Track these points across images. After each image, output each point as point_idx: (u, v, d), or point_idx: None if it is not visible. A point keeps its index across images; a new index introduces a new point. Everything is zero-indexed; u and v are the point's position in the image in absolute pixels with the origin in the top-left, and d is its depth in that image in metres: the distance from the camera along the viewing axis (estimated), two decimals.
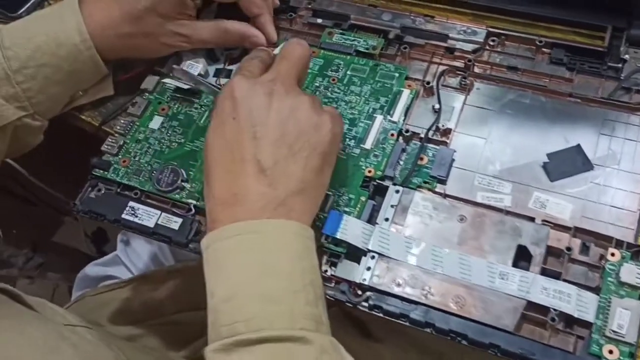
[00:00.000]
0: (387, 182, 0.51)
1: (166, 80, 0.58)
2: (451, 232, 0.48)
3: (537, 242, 0.46)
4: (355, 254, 0.48)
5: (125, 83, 0.61)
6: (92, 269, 0.77)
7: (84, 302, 0.71)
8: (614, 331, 0.42)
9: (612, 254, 0.44)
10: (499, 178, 0.50)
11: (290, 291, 0.40)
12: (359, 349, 0.48)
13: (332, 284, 0.47)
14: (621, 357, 0.41)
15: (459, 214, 0.48)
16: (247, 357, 0.38)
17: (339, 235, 0.47)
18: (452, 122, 0.53)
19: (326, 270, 0.48)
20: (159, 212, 0.52)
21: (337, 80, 0.57)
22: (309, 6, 0.62)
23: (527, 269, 0.45)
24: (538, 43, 0.55)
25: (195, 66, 0.58)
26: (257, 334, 0.38)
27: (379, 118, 0.54)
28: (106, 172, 0.54)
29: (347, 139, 0.53)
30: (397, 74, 0.56)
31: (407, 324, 0.45)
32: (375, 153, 0.52)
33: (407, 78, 0.56)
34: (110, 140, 0.56)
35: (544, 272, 0.45)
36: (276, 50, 0.57)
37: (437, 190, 0.50)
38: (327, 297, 0.46)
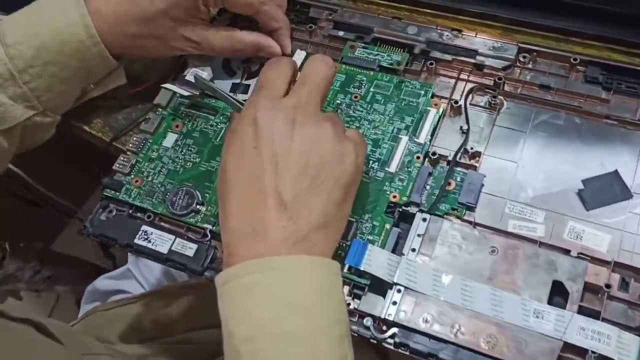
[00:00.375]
0: (412, 209, 0.48)
1: (167, 85, 0.55)
2: (482, 265, 0.45)
3: (574, 277, 0.44)
4: (380, 286, 0.45)
5: (139, 96, 0.59)
6: (102, 283, 0.75)
7: (93, 317, 0.69)
8: None
9: None
10: (531, 206, 0.48)
11: (313, 330, 0.38)
12: None
13: (356, 318, 0.45)
14: None
15: (490, 246, 0.46)
16: None
17: (363, 267, 0.45)
18: (481, 144, 0.51)
19: (349, 304, 0.45)
20: (173, 237, 0.49)
21: (359, 97, 0.54)
22: (330, 17, 0.59)
23: (564, 307, 0.43)
24: (572, 61, 0.52)
25: (200, 73, 0.55)
26: None
27: (404, 139, 0.51)
28: (118, 193, 0.52)
29: (371, 162, 0.51)
30: (422, 92, 0.53)
31: None
32: (401, 177, 0.50)
33: (433, 96, 0.53)
34: (122, 158, 0.53)
35: (582, 311, 0.43)
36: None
37: (465, 218, 0.48)
38: (351, 332, 0.44)
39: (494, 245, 0.46)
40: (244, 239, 0.40)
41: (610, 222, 0.46)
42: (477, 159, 0.50)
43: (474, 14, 0.57)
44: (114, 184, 0.52)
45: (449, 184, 0.49)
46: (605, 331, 0.41)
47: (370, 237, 0.47)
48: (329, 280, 0.41)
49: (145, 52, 0.56)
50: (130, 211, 0.52)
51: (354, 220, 0.48)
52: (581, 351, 0.41)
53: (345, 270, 0.46)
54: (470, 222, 0.47)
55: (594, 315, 0.42)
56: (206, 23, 0.54)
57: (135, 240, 0.49)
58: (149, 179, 0.52)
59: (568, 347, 0.41)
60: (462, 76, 0.54)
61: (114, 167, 0.53)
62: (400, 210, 0.48)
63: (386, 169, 0.50)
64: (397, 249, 0.47)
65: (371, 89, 0.54)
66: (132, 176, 0.53)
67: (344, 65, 0.56)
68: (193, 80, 0.55)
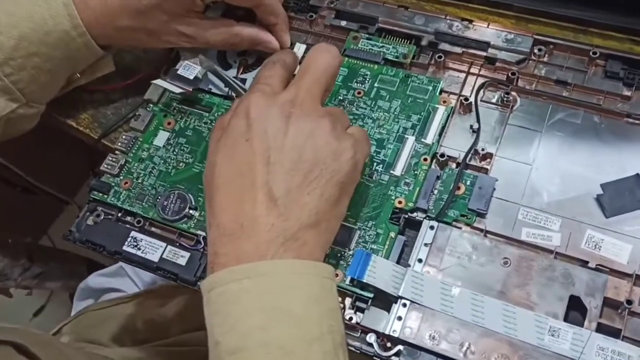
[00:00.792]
0: (418, 215, 0.45)
1: (157, 82, 0.52)
2: (493, 277, 0.42)
3: (593, 292, 0.41)
4: (384, 299, 0.42)
5: (128, 90, 0.56)
6: (94, 280, 0.72)
7: (85, 317, 0.67)
8: None
9: None
10: (546, 212, 0.45)
11: (304, 340, 0.36)
12: None
13: (358, 334, 0.42)
14: None
15: (503, 257, 0.43)
16: None
17: (366, 280, 0.42)
18: (492, 145, 0.47)
19: (351, 318, 0.42)
20: (164, 244, 0.46)
21: (363, 93, 0.50)
22: (332, 5, 0.55)
23: (581, 324, 0.40)
24: (591, 54, 0.49)
25: (193, 67, 0.52)
26: None
27: (411, 139, 0.48)
28: (106, 196, 0.49)
29: (375, 164, 0.47)
30: (430, 87, 0.50)
31: None
32: (407, 181, 0.46)
33: (441, 92, 0.50)
34: (110, 158, 0.50)
35: (601, 329, 0.40)
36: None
37: (475, 225, 0.45)
38: (353, 349, 0.41)
39: (507, 256, 0.43)
40: (230, 237, 0.37)
41: (632, 231, 0.43)
42: (489, 160, 0.47)
43: (486, 3, 0.53)
44: (101, 185, 0.49)
45: (458, 188, 0.46)
46: (626, 351, 0.38)
47: (374, 246, 0.44)
48: (322, 286, 0.38)
49: (136, 44, 0.53)
50: (119, 215, 0.49)
51: (356, 227, 0.45)
52: None
53: (347, 282, 0.43)
54: (480, 230, 0.44)
55: (614, 333, 0.40)
56: (201, 16, 0.51)
57: (124, 248, 0.46)
58: (139, 180, 0.49)
59: None
60: (472, 70, 0.51)
61: (101, 168, 0.50)
62: (406, 217, 0.45)
63: (391, 172, 0.47)
64: (402, 259, 0.45)
65: (375, 85, 0.51)
66: (121, 177, 0.50)
67: (346, 58, 0.52)
68: (185, 75, 0.51)
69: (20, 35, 0.47)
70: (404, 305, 0.42)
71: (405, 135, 0.48)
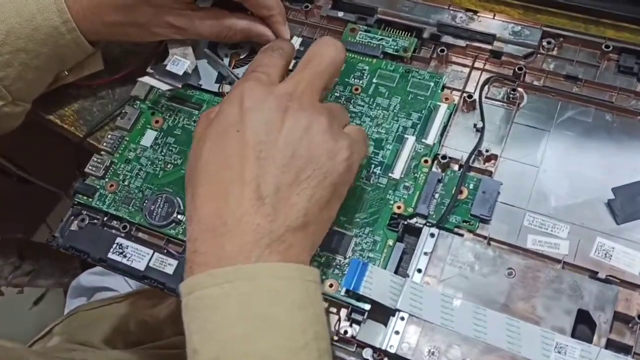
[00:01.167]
0: (418, 221, 0.43)
1: (144, 79, 0.49)
2: (497, 289, 0.40)
3: (602, 305, 0.38)
4: (381, 311, 0.40)
5: (115, 85, 0.53)
6: (86, 279, 0.70)
7: (77, 317, 0.66)
8: None
9: None
10: (553, 218, 0.42)
11: (289, 350, 0.33)
12: None
13: (354, 348, 0.40)
14: None
15: (507, 267, 0.40)
16: None
17: (362, 292, 0.40)
18: (497, 145, 0.45)
19: (346, 331, 0.40)
20: (151, 251, 0.44)
21: (360, 90, 0.48)
22: None
23: (590, 340, 0.38)
24: (604, 48, 0.46)
25: (182, 62, 0.49)
26: None
27: (411, 140, 0.45)
28: (90, 199, 0.47)
29: (373, 166, 0.45)
30: (432, 83, 0.47)
31: None
32: (406, 184, 0.44)
33: (443, 88, 0.47)
34: (95, 159, 0.48)
35: (610, 345, 0.38)
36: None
37: (478, 232, 0.42)
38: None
39: (511, 267, 0.40)
40: (212, 233, 0.35)
41: None
42: (493, 162, 0.45)
43: None
44: (86, 188, 0.47)
45: (461, 192, 0.43)
46: None
47: (371, 254, 0.42)
48: (306, 291, 0.35)
49: (126, 38, 0.51)
50: (105, 219, 0.46)
51: (352, 234, 0.43)
52: None
53: (343, 293, 0.41)
54: (484, 237, 0.42)
55: (625, 350, 0.37)
56: (191, 6, 0.48)
57: (109, 255, 0.44)
58: (125, 183, 0.47)
59: None
60: (477, 65, 0.48)
61: (86, 170, 0.47)
62: (405, 223, 0.43)
63: (390, 174, 0.44)
64: (401, 267, 0.42)
65: (374, 80, 0.48)
66: (107, 180, 0.47)
67: None
68: (174, 71, 0.48)
69: (8, 30, 0.45)
70: (402, 318, 0.39)
71: (405, 135, 0.46)
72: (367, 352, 0.40)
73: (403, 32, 0.50)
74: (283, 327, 0.34)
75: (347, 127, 0.40)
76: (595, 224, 0.42)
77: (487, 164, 0.45)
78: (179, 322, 0.64)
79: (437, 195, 0.44)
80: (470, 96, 0.46)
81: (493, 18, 0.49)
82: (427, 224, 0.43)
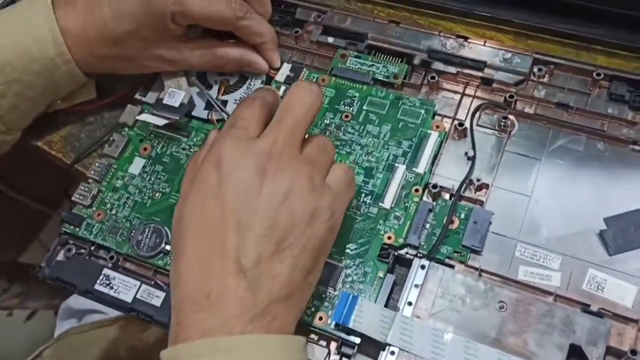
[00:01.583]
0: (409, 252, 0.42)
1: (141, 117, 0.49)
2: (488, 323, 0.39)
3: (595, 340, 0.38)
4: (371, 345, 0.40)
5: (103, 110, 0.53)
6: (76, 301, 0.69)
7: (67, 340, 0.65)
8: None
9: None
10: (545, 248, 0.42)
11: None
12: None
13: None
14: None
15: (498, 300, 0.40)
16: None
17: (352, 325, 0.39)
18: (488, 174, 0.44)
19: None
20: (138, 282, 0.43)
21: (350, 117, 0.47)
22: (319, 20, 0.52)
23: None
24: (595, 75, 0.46)
25: (178, 94, 0.49)
26: None
27: (401, 168, 0.45)
28: (77, 229, 0.46)
29: (363, 195, 0.44)
30: (422, 110, 0.47)
31: None
32: (396, 214, 0.43)
33: (434, 115, 0.47)
34: (82, 188, 0.47)
35: None
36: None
37: (469, 263, 0.42)
38: None
39: (503, 300, 0.40)
40: (195, 307, 0.34)
41: (637, 270, 0.40)
42: (485, 191, 0.44)
43: (484, 18, 0.50)
44: (73, 217, 0.46)
45: (452, 222, 0.43)
46: None
47: (362, 286, 0.42)
48: None
49: (117, 71, 0.51)
50: (92, 249, 0.46)
51: (342, 265, 0.42)
52: None
53: (333, 326, 0.40)
54: (475, 269, 0.42)
55: None
56: (181, 38, 0.48)
57: (96, 287, 0.44)
58: (113, 212, 0.46)
59: None
60: (468, 91, 0.48)
61: (72, 199, 0.47)
62: (396, 254, 0.42)
63: (380, 204, 0.44)
64: (391, 299, 0.42)
65: (364, 107, 0.48)
66: (94, 209, 0.47)
67: (333, 78, 0.49)
68: (171, 104, 0.48)
69: (3, 61, 0.45)
70: (392, 352, 0.39)
71: (396, 164, 0.45)
72: None
73: (394, 58, 0.49)
74: None
75: (333, 168, 0.40)
76: (587, 255, 0.41)
77: (478, 193, 0.44)
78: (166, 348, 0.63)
79: (427, 225, 0.43)
80: (461, 124, 0.46)
81: (484, 45, 0.48)
82: (418, 255, 0.42)
